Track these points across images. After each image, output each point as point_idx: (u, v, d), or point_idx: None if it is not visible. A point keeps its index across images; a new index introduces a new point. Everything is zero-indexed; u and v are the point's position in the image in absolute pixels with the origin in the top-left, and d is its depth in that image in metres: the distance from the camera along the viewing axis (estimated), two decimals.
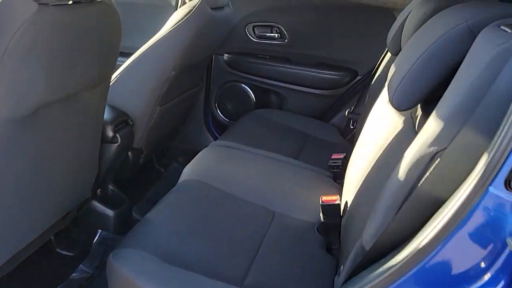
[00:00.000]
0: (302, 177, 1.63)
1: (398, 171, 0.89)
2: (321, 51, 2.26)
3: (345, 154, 1.70)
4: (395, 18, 2.09)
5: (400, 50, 1.57)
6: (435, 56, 0.96)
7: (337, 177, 1.71)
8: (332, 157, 1.71)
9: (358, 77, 2.24)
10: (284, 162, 1.72)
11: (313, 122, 2.23)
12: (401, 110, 1.02)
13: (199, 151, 1.68)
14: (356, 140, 1.70)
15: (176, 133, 2.33)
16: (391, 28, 1.77)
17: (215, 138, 2.43)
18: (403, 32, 1.40)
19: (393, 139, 1.11)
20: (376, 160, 1.15)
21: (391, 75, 1.06)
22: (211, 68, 2.38)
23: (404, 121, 1.13)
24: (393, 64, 1.16)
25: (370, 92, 2.03)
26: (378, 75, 1.97)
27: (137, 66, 1.73)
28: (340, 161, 1.68)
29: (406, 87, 0.98)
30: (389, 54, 1.93)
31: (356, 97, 2.21)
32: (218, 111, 2.45)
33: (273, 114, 2.21)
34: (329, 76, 2.24)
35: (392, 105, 0.98)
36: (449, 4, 1.16)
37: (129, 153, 1.79)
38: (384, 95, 1.39)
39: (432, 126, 0.84)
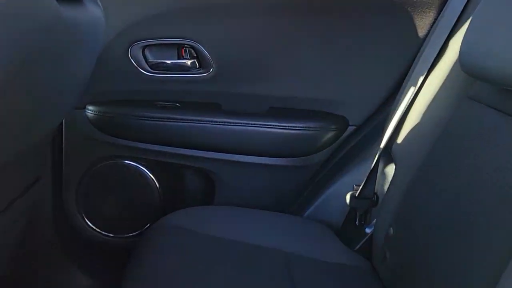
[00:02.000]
0: None
1: None
2: (278, 87, 1.18)
3: None
4: (411, 18, 1.21)
5: None
6: None
7: None
8: None
9: (350, 128, 1.22)
10: None
11: (284, 222, 1.12)
12: None
13: None
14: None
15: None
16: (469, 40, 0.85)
17: (90, 274, 1.25)
18: None
19: None
20: None
21: None
22: (62, 138, 1.18)
23: None
24: None
25: (398, 156, 1.07)
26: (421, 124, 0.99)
27: None
28: None
29: None
30: (435, 85, 0.99)
31: (351, 165, 1.18)
32: (87, 220, 1.23)
33: (206, 219, 1.06)
34: (296, 130, 1.17)
35: None
36: None
37: None
38: None
39: None
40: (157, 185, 1.21)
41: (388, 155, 1.09)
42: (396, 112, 1.09)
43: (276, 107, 1.21)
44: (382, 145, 1.08)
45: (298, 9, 1.08)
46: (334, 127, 1.18)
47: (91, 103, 1.15)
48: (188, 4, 1.06)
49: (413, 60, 1.11)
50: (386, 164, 1.10)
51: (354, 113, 1.20)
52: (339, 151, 1.23)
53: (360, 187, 1.11)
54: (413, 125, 1.00)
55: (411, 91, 1.04)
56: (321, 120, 1.18)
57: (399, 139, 1.04)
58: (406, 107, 1.03)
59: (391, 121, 1.12)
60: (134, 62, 1.11)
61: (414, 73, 1.07)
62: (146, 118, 1.14)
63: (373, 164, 1.10)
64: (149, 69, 1.13)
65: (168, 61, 1.13)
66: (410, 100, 1.03)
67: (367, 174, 1.09)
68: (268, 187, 1.24)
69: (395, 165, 1.04)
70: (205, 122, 1.15)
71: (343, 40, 1.12)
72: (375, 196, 1.13)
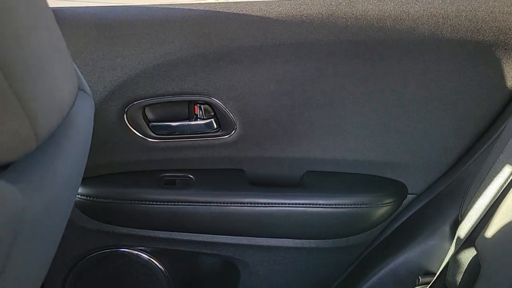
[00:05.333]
0: None
1: None
2: (317, 148, 0.87)
3: None
4: (500, 63, 0.74)
5: None
6: None
7: None
8: None
9: (410, 197, 0.93)
10: None
11: None
12: None
13: None
14: None
15: None
16: None
17: None
18: None
19: None
20: None
21: None
22: None
23: None
24: None
25: (488, 256, 0.78)
26: None
27: None
28: None
29: None
30: None
31: (409, 242, 0.87)
32: None
33: None
34: (341, 208, 0.86)
35: None
36: None
37: None
38: None
39: None
40: (167, 276, 0.93)
41: (468, 242, 0.82)
42: (477, 183, 0.82)
43: (314, 171, 0.92)
44: (462, 233, 0.80)
45: (344, 52, 0.78)
46: (389, 200, 0.89)
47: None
48: (201, 49, 0.75)
49: (500, 114, 0.83)
50: (460, 252, 0.83)
51: (415, 179, 0.92)
52: (394, 223, 0.95)
53: (431, 283, 0.84)
54: None
55: (506, 156, 0.75)
56: (373, 191, 0.88)
57: (489, 231, 0.77)
58: (504, 182, 0.75)
59: (466, 192, 0.85)
60: (132, 126, 0.81)
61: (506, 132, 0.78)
62: (149, 203, 0.84)
63: (448, 255, 0.83)
64: (152, 133, 0.82)
65: (177, 123, 0.83)
66: (509, 175, 0.74)
67: (436, 261, 0.82)
68: (304, 273, 0.95)
69: (482, 264, 0.77)
70: (226, 204, 0.85)
71: (403, 90, 0.82)
72: None
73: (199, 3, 0.77)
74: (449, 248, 0.86)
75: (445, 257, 0.86)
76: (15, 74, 0.29)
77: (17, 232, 0.30)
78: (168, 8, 0.75)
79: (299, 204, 0.85)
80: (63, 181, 0.37)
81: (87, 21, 0.73)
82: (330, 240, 0.91)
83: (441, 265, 0.86)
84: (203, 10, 0.75)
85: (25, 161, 0.33)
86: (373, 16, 0.73)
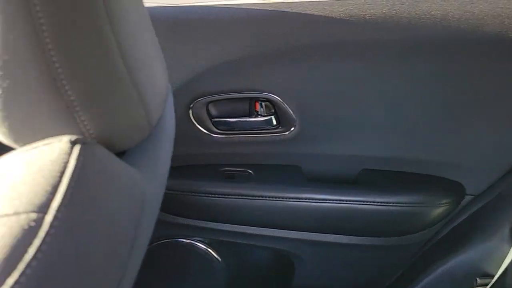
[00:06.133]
0: None
1: None
2: (373, 146, 0.88)
3: None
4: None
5: None
6: None
7: None
8: None
9: (468, 198, 0.93)
10: None
11: None
12: None
13: None
14: None
15: None
16: None
17: None
18: None
19: None
20: None
21: None
22: None
23: None
24: None
25: None
26: None
27: None
28: None
29: None
30: None
31: (467, 242, 0.90)
32: None
33: None
34: (397, 207, 0.85)
35: None
36: None
37: None
38: None
39: None
40: (223, 266, 0.96)
41: None
42: None
43: (369, 169, 0.93)
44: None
45: (407, 51, 0.78)
46: (447, 201, 0.89)
47: None
48: (264, 47, 0.78)
49: None
50: None
51: (473, 179, 0.91)
52: (450, 224, 0.94)
53: (489, 286, 0.83)
54: None
55: None
56: (430, 191, 0.88)
57: None
58: None
59: None
60: (196, 122, 0.84)
61: None
62: (210, 195, 0.87)
63: (508, 257, 0.82)
64: (215, 129, 0.86)
65: (238, 119, 0.85)
66: None
67: (494, 263, 0.81)
68: (357, 270, 0.96)
69: None
70: (283, 199, 0.87)
71: (463, 89, 0.82)
72: None
73: (263, 3, 0.80)
74: (509, 251, 0.85)
75: (504, 259, 0.85)
76: (133, 69, 0.32)
77: (140, 216, 0.33)
78: (234, 8, 0.78)
79: (355, 201, 0.86)
80: (165, 168, 0.40)
81: (158, 20, 0.77)
82: (385, 238, 0.92)
83: (499, 267, 0.85)
84: (268, 10, 0.77)
85: (137, 149, 0.36)
86: (437, 15, 0.74)
